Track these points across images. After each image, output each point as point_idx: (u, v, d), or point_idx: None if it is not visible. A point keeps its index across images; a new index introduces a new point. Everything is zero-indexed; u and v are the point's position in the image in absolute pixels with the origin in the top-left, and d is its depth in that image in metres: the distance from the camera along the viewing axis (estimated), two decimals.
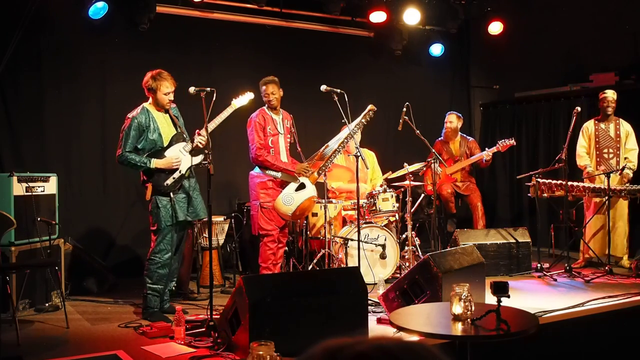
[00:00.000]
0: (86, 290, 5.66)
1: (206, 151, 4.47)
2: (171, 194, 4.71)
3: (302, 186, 5.46)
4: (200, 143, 4.77)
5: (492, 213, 8.12)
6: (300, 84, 6.71)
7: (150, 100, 4.81)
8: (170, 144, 4.78)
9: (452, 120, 7.14)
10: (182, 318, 4.10)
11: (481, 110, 9.01)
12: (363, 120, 5.66)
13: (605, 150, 6.44)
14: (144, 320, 4.64)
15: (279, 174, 5.43)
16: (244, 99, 5.12)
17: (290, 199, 5.38)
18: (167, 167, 4.70)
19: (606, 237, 6.08)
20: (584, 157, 6.52)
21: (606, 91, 6.48)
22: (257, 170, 5.49)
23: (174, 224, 4.74)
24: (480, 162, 7.03)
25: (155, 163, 4.67)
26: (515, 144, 6.90)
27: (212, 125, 4.63)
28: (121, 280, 5.94)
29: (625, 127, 6.46)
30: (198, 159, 4.84)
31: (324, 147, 5.78)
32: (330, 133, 5.97)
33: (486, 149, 7.00)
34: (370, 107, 5.64)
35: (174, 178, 4.73)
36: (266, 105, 5.51)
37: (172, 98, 4.80)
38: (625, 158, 6.36)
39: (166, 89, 4.73)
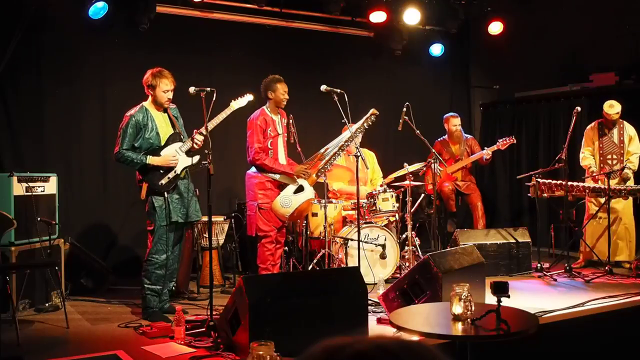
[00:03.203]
0: (83, 287, 5.66)
1: (206, 151, 4.46)
2: (165, 193, 4.71)
3: (300, 188, 5.43)
4: (197, 144, 4.77)
5: (492, 213, 8.12)
6: (300, 83, 6.70)
7: (150, 99, 4.81)
8: (167, 144, 4.78)
9: (458, 122, 7.13)
10: (182, 318, 4.10)
11: (481, 110, 9.01)
12: (365, 124, 5.63)
13: (609, 157, 6.42)
14: (144, 320, 4.64)
15: (277, 176, 5.42)
16: (242, 101, 5.09)
17: (288, 201, 5.36)
18: (164, 165, 4.70)
19: (606, 238, 6.07)
20: (588, 158, 6.50)
21: (608, 111, 6.28)
22: (254, 170, 5.46)
23: (169, 224, 4.74)
24: (480, 160, 7.04)
25: (151, 160, 4.67)
26: (515, 141, 6.90)
27: (210, 126, 4.63)
28: (121, 280, 5.94)
29: (629, 131, 6.41)
30: (194, 159, 4.85)
31: (323, 149, 5.75)
32: (330, 133, 5.96)
33: (485, 148, 7.00)
34: (372, 111, 5.60)
35: (168, 178, 4.73)
36: (269, 105, 5.43)
37: (170, 97, 4.80)
38: (627, 160, 6.34)
39: (165, 86, 4.73)
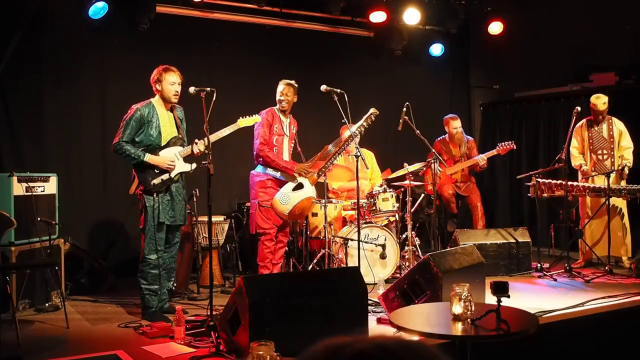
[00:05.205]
0: (83, 286, 5.66)
1: (206, 151, 4.47)
2: (155, 194, 4.72)
3: (299, 186, 5.45)
4: (196, 152, 4.78)
5: (492, 213, 8.12)
6: (300, 83, 6.68)
7: (158, 96, 4.82)
8: (167, 145, 4.79)
9: (458, 125, 7.03)
10: (182, 318, 4.10)
11: (481, 110, 9.02)
12: (364, 124, 5.63)
13: (600, 152, 6.42)
14: (144, 320, 4.64)
15: (278, 173, 5.44)
16: (250, 120, 5.08)
17: (286, 198, 5.38)
18: (161, 166, 4.70)
19: (606, 237, 6.08)
20: (577, 157, 6.50)
21: (595, 102, 6.31)
22: (258, 169, 5.50)
23: (157, 224, 4.73)
24: (475, 166, 6.95)
25: (149, 157, 4.67)
26: (515, 147, 6.76)
27: (212, 138, 4.64)
28: (121, 280, 5.94)
29: (618, 126, 6.42)
30: (190, 166, 4.85)
31: (324, 149, 5.77)
32: (330, 133, 5.97)
33: (492, 149, 6.86)
34: (372, 110, 5.60)
35: (162, 179, 4.73)
36: (277, 105, 5.53)
37: (178, 90, 4.78)
38: (620, 156, 6.35)
39: (172, 78, 4.75)
